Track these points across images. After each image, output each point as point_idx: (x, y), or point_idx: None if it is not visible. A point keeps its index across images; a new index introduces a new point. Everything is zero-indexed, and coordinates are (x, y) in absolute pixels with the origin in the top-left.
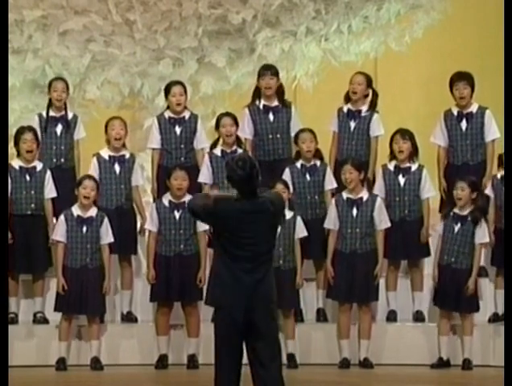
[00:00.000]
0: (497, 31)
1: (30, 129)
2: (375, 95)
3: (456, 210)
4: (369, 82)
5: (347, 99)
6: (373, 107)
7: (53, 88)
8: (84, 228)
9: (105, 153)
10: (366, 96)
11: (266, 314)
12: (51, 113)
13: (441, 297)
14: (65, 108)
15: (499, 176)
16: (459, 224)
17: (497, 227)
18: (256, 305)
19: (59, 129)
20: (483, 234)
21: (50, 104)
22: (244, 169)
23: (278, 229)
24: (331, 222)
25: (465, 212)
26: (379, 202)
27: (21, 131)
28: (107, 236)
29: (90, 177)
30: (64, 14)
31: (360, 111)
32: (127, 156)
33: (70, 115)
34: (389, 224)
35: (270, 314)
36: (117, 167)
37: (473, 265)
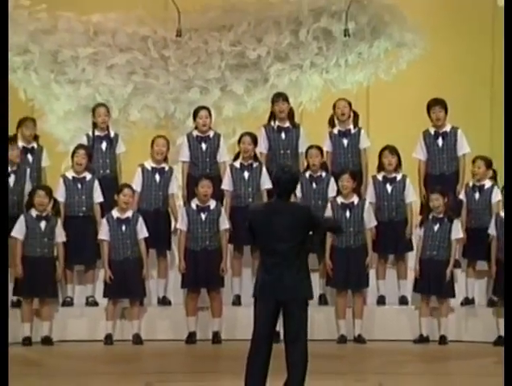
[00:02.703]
0: (469, 64)
1: (84, 146)
2: (356, 115)
3: (433, 214)
4: (350, 105)
5: (332, 123)
6: (357, 125)
7: (97, 114)
8: (123, 227)
9: (149, 164)
10: (348, 116)
11: (296, 303)
12: (97, 133)
13: (423, 285)
14: (107, 129)
15: (471, 184)
16: (437, 224)
17: (468, 226)
18: (285, 297)
19: (103, 146)
20: (457, 231)
21: (95, 126)
22: (285, 173)
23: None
24: None
25: (441, 215)
26: (367, 205)
27: (77, 147)
28: (142, 231)
29: (128, 186)
30: (111, 51)
31: (349, 130)
32: (166, 168)
33: (112, 134)
34: (375, 223)
35: (298, 303)
36: (157, 177)
37: (450, 257)
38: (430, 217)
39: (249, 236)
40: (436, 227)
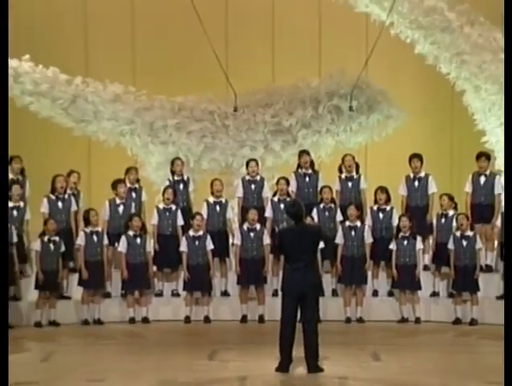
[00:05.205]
0: (435, 131)
1: (171, 187)
2: (357, 165)
3: (401, 233)
4: (353, 158)
5: (340, 170)
6: (358, 172)
7: (176, 164)
8: (197, 242)
9: (211, 199)
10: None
11: (312, 295)
12: (175, 178)
13: (400, 283)
14: (182, 175)
15: (440, 213)
16: (405, 240)
17: (437, 241)
18: (305, 290)
19: (181, 186)
20: (419, 244)
21: (173, 173)
22: (293, 207)
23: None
24: (339, 239)
25: (407, 234)
26: (367, 228)
27: (166, 187)
28: (209, 245)
29: (199, 213)
30: (189, 121)
31: (353, 176)
32: (223, 201)
33: (185, 177)
34: (372, 240)
35: (314, 295)
36: (217, 207)
37: (417, 262)
38: (399, 236)
39: (278, 250)
40: (405, 243)
